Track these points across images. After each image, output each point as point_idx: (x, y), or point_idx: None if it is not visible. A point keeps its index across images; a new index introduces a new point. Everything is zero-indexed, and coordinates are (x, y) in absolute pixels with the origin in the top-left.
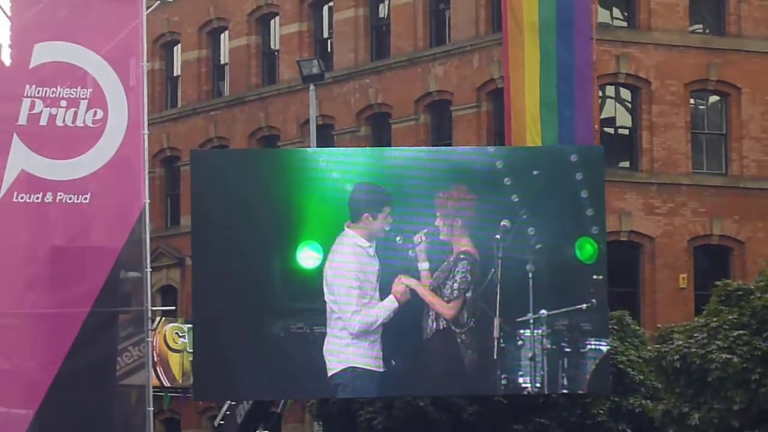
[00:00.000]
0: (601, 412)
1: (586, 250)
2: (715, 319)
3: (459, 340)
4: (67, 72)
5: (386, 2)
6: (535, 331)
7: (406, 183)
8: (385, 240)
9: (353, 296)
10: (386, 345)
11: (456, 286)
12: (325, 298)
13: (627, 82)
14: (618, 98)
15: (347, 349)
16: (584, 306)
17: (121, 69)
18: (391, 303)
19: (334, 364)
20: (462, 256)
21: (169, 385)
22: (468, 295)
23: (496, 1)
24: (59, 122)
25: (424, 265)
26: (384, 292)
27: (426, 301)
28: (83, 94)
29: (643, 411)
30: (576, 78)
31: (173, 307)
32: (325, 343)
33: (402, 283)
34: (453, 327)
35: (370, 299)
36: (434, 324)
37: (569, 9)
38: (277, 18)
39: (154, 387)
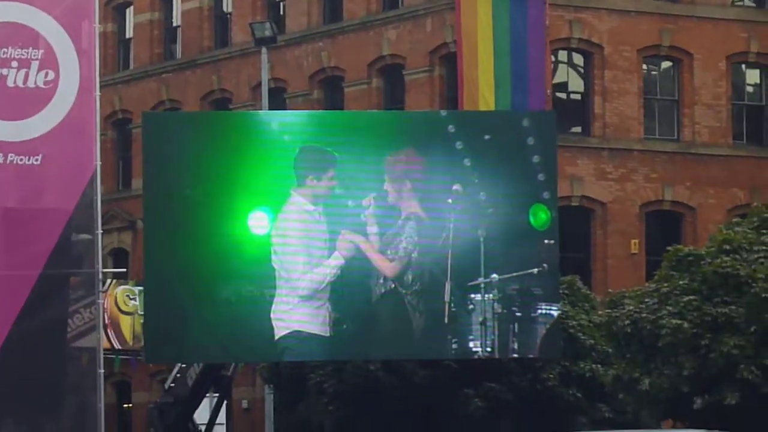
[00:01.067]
0: (552, 376)
1: (540, 217)
2: (666, 284)
3: (406, 302)
4: (19, 32)
5: None
6: (486, 295)
7: (356, 146)
8: (335, 204)
9: (300, 259)
10: (334, 309)
11: (402, 245)
12: (272, 263)
13: (580, 47)
14: (570, 63)
15: (293, 313)
16: (535, 270)
17: (73, 31)
18: (336, 260)
19: (280, 328)
20: (411, 218)
21: (119, 347)
22: (414, 255)
23: None
24: (10, 83)
25: (373, 229)
26: (332, 253)
27: (368, 256)
28: (35, 55)
29: (594, 376)
30: (529, 43)
31: (124, 270)
32: (273, 306)
33: (346, 239)
34: (399, 288)
35: (318, 262)
36: (382, 288)
37: None
38: None
39: (105, 349)
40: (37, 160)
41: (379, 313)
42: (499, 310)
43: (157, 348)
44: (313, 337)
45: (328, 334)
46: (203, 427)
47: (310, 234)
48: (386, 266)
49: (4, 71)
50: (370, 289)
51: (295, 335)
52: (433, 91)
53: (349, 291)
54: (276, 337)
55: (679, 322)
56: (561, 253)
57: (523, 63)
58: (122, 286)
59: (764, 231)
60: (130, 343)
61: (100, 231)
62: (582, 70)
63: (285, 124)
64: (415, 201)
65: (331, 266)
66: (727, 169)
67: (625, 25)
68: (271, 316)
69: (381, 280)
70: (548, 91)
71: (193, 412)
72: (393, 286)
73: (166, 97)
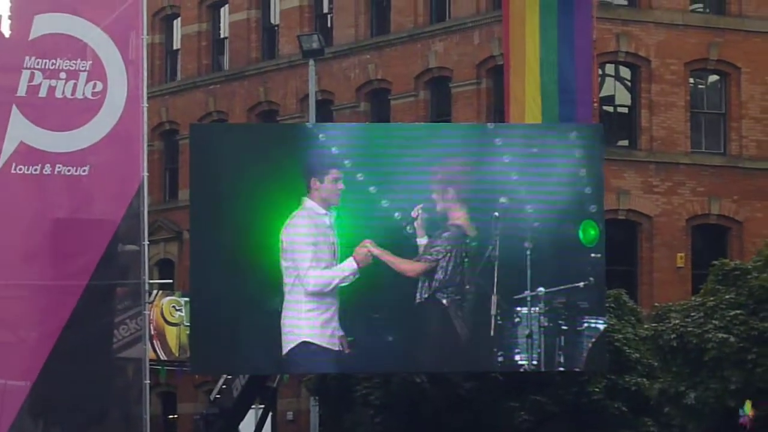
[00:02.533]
0: (597, 390)
1: (589, 233)
2: (712, 298)
3: (446, 303)
4: (67, 44)
5: None
6: (533, 308)
7: (403, 158)
8: (381, 217)
9: (307, 256)
10: (377, 319)
11: (433, 250)
12: (282, 267)
13: (627, 60)
14: (618, 77)
15: (301, 323)
16: (582, 284)
17: (121, 42)
18: (349, 264)
19: (288, 341)
20: (450, 227)
21: (165, 358)
22: (442, 264)
23: None
24: (58, 94)
25: (422, 240)
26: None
27: (384, 259)
28: (83, 66)
29: (640, 389)
30: (576, 56)
31: (170, 281)
32: (282, 317)
33: (365, 246)
34: (437, 295)
35: (328, 264)
36: (421, 297)
37: None
38: None
39: (150, 360)
40: (84, 170)
41: (422, 323)
42: (546, 324)
43: (203, 358)
44: (324, 350)
45: (337, 348)
46: None
47: (318, 234)
48: (406, 267)
49: (53, 82)
50: (412, 300)
51: (305, 347)
52: (479, 104)
53: (392, 300)
54: (284, 351)
55: (725, 336)
56: (607, 266)
57: (570, 76)
58: (168, 297)
59: None
60: (176, 354)
61: (146, 242)
62: (629, 84)
63: (332, 137)
64: (462, 211)
65: (342, 269)
66: None
67: (673, 38)
68: (281, 326)
69: (418, 292)
70: (595, 104)
71: (239, 423)
72: (428, 295)
73: (214, 108)
